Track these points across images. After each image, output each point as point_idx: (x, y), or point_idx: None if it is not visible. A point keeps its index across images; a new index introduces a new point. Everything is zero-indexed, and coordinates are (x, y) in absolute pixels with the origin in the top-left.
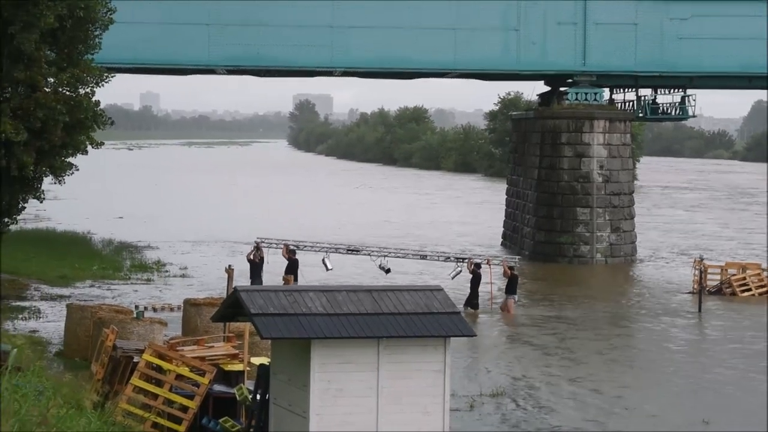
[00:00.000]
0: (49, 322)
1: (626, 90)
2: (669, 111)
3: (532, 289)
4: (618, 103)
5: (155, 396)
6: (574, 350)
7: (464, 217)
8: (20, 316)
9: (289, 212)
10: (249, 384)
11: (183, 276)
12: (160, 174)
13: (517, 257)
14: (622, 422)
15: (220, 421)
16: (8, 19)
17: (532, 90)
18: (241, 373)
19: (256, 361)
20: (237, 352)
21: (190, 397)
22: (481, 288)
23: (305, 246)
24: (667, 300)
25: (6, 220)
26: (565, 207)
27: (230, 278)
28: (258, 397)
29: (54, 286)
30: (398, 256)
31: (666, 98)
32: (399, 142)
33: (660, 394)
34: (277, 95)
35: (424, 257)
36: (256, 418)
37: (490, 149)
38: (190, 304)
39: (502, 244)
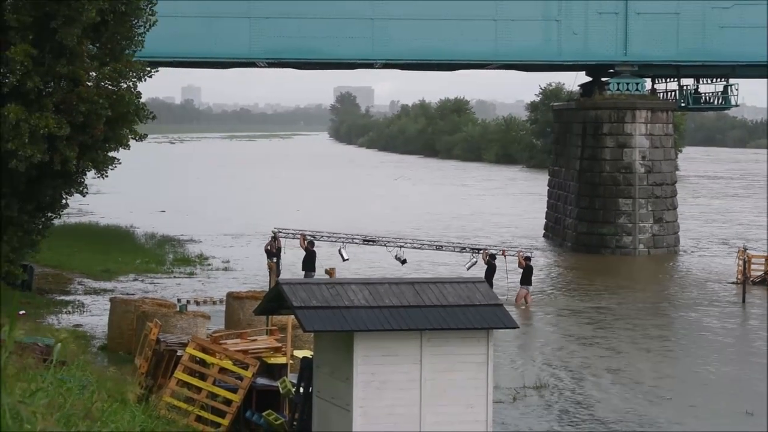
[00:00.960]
0: (93, 316)
1: (668, 80)
2: (711, 100)
3: (573, 280)
4: (660, 92)
5: (199, 389)
6: (614, 341)
7: (506, 208)
8: (64, 310)
9: (329, 204)
10: (292, 377)
11: (225, 269)
12: (202, 167)
13: (533, 249)
14: (662, 412)
15: (264, 414)
16: (51, 14)
17: (574, 80)
18: (284, 366)
19: (299, 354)
20: (280, 345)
21: (234, 391)
22: (497, 278)
23: (322, 236)
24: (710, 290)
25: (50, 214)
26: (607, 198)
27: (272, 271)
28: (301, 390)
29: (98, 280)
30: (414, 247)
31: (708, 88)
32: (440, 134)
33: (700, 384)
34: (318, 88)
35: (439, 248)
36: (300, 411)
37: (532, 140)
38: (233, 298)
39: (544, 235)
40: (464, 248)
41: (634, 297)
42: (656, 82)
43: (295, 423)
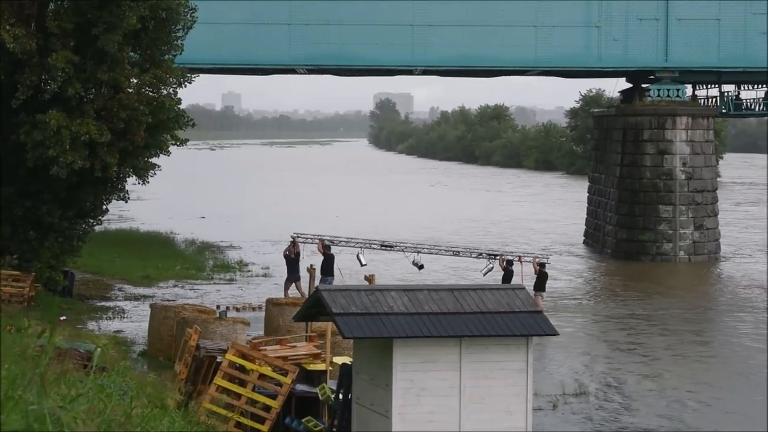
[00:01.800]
0: (133, 322)
1: (709, 86)
2: (753, 107)
3: (612, 287)
4: (701, 99)
5: (238, 396)
6: (652, 347)
7: (545, 215)
8: (105, 316)
9: (366, 210)
10: (331, 383)
11: (265, 276)
12: (241, 174)
13: (549, 255)
14: (701, 419)
15: (303, 420)
16: (92, 21)
17: (614, 87)
18: (323, 372)
19: (339, 360)
20: (319, 351)
21: (273, 397)
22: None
23: (340, 241)
24: (749, 297)
25: (90, 220)
26: (647, 205)
27: (312, 278)
28: (340, 396)
29: (138, 286)
30: (432, 253)
31: (749, 94)
32: (480, 141)
33: (736, 391)
34: (358, 94)
35: (456, 253)
36: (339, 418)
37: (572, 147)
38: (272, 304)
39: (584, 242)
40: (481, 254)
41: (673, 304)
42: (697, 88)
43: (334, 429)
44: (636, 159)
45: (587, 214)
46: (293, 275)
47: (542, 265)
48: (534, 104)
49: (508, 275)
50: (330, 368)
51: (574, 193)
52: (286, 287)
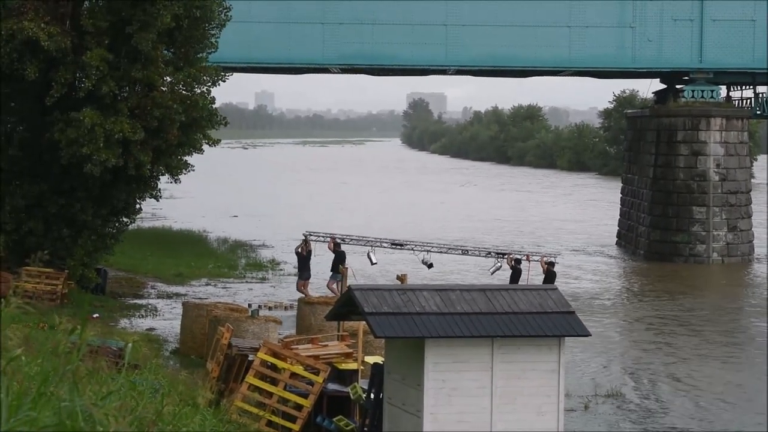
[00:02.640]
0: (166, 320)
1: (743, 87)
2: None
3: (644, 288)
4: (735, 100)
5: (270, 394)
6: (682, 348)
7: (577, 216)
8: (137, 313)
9: (397, 210)
10: (363, 383)
11: (297, 274)
12: (274, 173)
13: (557, 254)
14: (733, 419)
15: (335, 419)
16: (126, 19)
17: (648, 88)
18: (355, 371)
19: (370, 359)
20: (351, 350)
21: (305, 396)
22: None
23: (351, 240)
24: None
25: (123, 218)
26: (680, 206)
27: (344, 277)
28: (372, 396)
29: (170, 284)
30: (440, 252)
31: None
32: (513, 141)
33: (765, 392)
34: (391, 94)
35: (465, 252)
36: (370, 417)
37: (605, 148)
38: (304, 303)
39: (616, 243)
40: (489, 253)
41: (704, 305)
42: (731, 89)
43: (365, 429)
44: (669, 160)
45: (620, 215)
46: (305, 273)
47: (551, 264)
48: (567, 105)
49: (516, 274)
50: (362, 367)
51: (607, 193)
52: (302, 285)
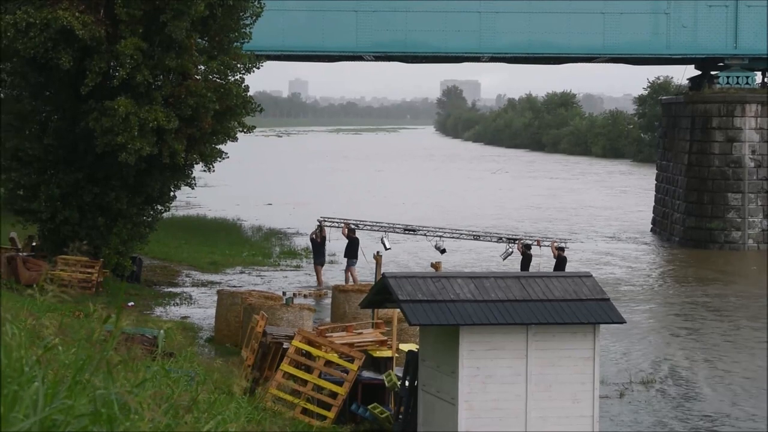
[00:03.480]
0: (200, 308)
1: None
2: None
3: (678, 274)
4: None
5: (305, 382)
6: (716, 335)
7: (612, 202)
8: (172, 302)
9: (431, 198)
10: (398, 370)
11: (331, 262)
12: (308, 161)
13: (567, 239)
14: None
15: (369, 407)
16: (160, 8)
17: (683, 74)
18: (389, 359)
19: (405, 347)
20: (385, 338)
21: (339, 384)
22: (532, 268)
23: (365, 225)
24: None
25: (158, 207)
26: (715, 192)
27: (378, 265)
28: (407, 383)
29: (205, 272)
30: (453, 237)
31: None
32: (547, 128)
33: None
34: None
35: (477, 238)
36: (405, 405)
37: (640, 134)
38: (338, 291)
39: (651, 230)
40: (501, 238)
41: (738, 291)
42: (767, 75)
43: (400, 416)
44: (704, 147)
45: (655, 201)
46: (319, 259)
47: (561, 249)
48: (601, 91)
49: (526, 259)
50: (396, 355)
51: (642, 180)
52: (318, 271)
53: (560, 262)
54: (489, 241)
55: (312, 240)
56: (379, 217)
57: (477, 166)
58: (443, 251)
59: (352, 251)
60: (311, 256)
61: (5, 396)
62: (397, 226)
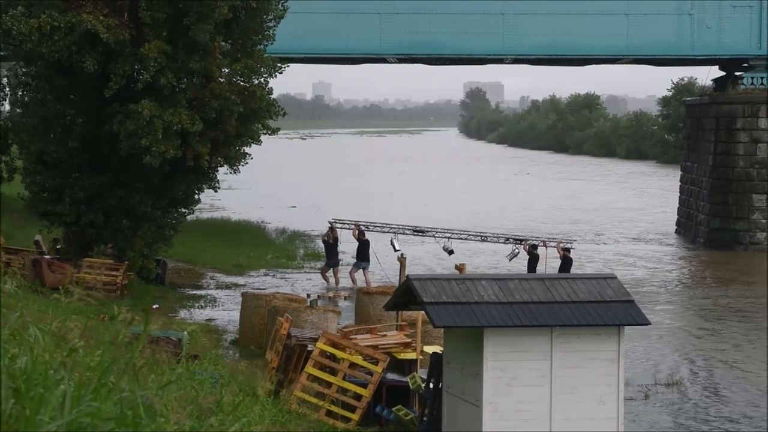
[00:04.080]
0: (225, 310)
1: None
2: None
3: (702, 275)
4: None
5: (329, 384)
6: (740, 336)
7: (636, 204)
8: (197, 304)
9: (455, 200)
10: (422, 372)
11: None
12: (332, 163)
13: (573, 240)
14: None
15: (394, 409)
16: (184, 11)
17: (707, 75)
18: (414, 361)
19: (429, 349)
20: (410, 340)
21: (364, 386)
22: (539, 268)
23: (375, 227)
24: None
25: (182, 209)
26: (740, 194)
27: (403, 267)
28: (431, 385)
29: (229, 274)
30: (461, 238)
31: None
32: (571, 130)
33: None
34: (448, 83)
35: (484, 239)
36: (429, 407)
37: (664, 136)
38: (362, 293)
39: (676, 231)
40: (508, 239)
41: (762, 293)
42: None
43: (425, 418)
44: (729, 148)
45: (679, 203)
46: (332, 260)
47: (567, 250)
48: (625, 93)
49: (533, 259)
50: (420, 357)
51: (666, 182)
52: (324, 272)
53: (566, 262)
54: (496, 242)
55: (324, 242)
56: (401, 220)
57: (501, 167)
58: (451, 252)
59: (363, 253)
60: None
61: (31, 398)
62: (407, 227)
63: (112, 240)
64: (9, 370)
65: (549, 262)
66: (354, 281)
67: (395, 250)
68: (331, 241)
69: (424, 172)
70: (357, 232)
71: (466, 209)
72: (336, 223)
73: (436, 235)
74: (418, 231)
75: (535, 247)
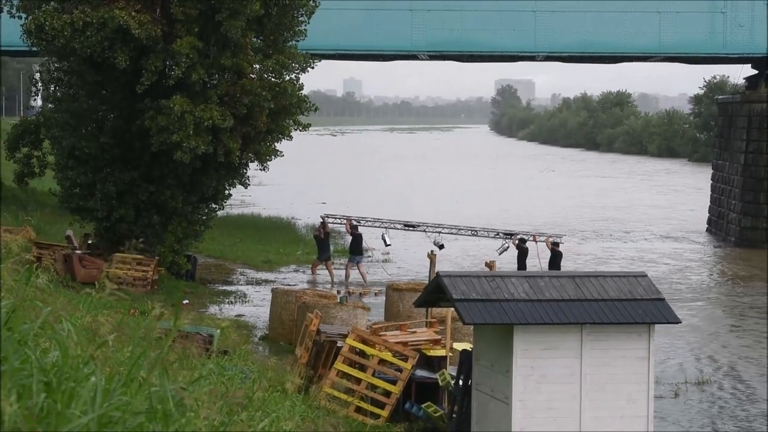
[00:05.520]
0: (255, 306)
1: None
2: None
3: (732, 274)
4: None
5: (358, 380)
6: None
7: (667, 202)
8: (227, 300)
9: (483, 197)
10: (451, 369)
11: (385, 261)
12: (363, 160)
13: (563, 235)
14: None
15: (423, 406)
16: (216, 7)
17: (739, 73)
18: (443, 358)
19: (459, 346)
20: (439, 337)
21: (393, 382)
22: (529, 261)
23: (366, 222)
24: None
25: (213, 205)
26: None
27: (432, 263)
28: (460, 382)
29: (259, 270)
30: (451, 233)
31: None
32: (602, 127)
33: None
34: (479, 80)
35: (475, 233)
36: (459, 404)
37: (695, 134)
38: (392, 289)
39: (707, 230)
40: (498, 234)
41: None
42: None
43: (454, 415)
44: (761, 146)
45: (711, 201)
46: (323, 254)
47: (556, 244)
48: (657, 91)
49: (522, 253)
50: (450, 354)
51: (697, 180)
52: (314, 266)
53: (555, 256)
54: (486, 236)
55: (316, 237)
56: (426, 217)
57: (531, 165)
58: (441, 247)
59: (356, 247)
60: (366, 255)
61: (62, 392)
62: (398, 222)
63: (143, 235)
64: (40, 364)
65: (540, 256)
66: (359, 275)
67: (386, 245)
68: (322, 236)
69: (455, 170)
70: (349, 226)
71: (495, 207)
72: (327, 217)
73: (426, 230)
74: (409, 225)
75: (523, 241)
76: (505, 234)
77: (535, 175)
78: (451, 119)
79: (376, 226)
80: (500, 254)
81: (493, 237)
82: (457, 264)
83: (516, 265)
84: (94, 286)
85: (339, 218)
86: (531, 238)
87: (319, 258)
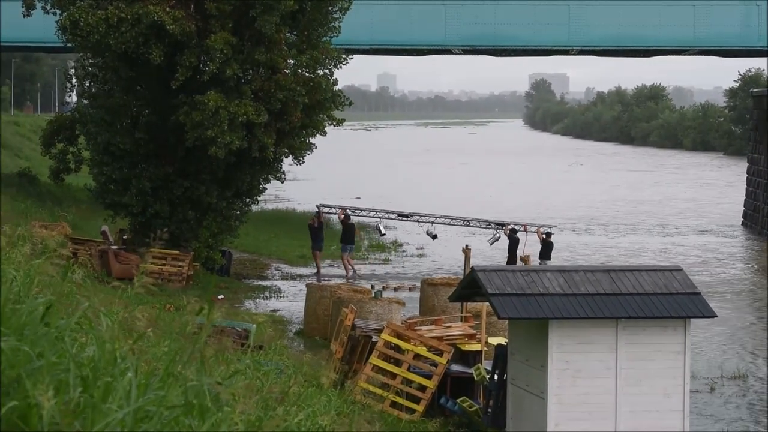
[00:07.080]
0: (290, 301)
1: None
2: None
3: (765, 266)
4: None
5: (394, 375)
6: None
7: (702, 195)
8: (262, 295)
9: (516, 190)
10: (486, 364)
11: (420, 256)
12: (397, 154)
13: (554, 225)
14: None
15: (458, 401)
16: (250, 3)
17: None
18: (478, 353)
19: (494, 341)
20: (474, 332)
21: (428, 377)
22: (519, 251)
23: (361, 212)
24: None
25: (247, 200)
26: None
27: (467, 258)
28: (496, 377)
29: (294, 265)
30: (444, 223)
31: None
32: (636, 121)
33: None
34: (513, 75)
35: (467, 224)
36: (494, 399)
37: (730, 127)
38: (427, 284)
39: (742, 224)
40: (489, 224)
41: None
42: None
43: (489, 410)
44: None
45: (746, 195)
46: (317, 244)
47: (548, 234)
48: (691, 84)
49: (513, 243)
50: (485, 349)
51: (734, 174)
52: (316, 256)
53: (546, 246)
54: (478, 226)
55: (310, 226)
56: (460, 212)
57: (562, 159)
58: (435, 237)
59: (348, 237)
60: (401, 250)
61: (99, 387)
62: (391, 212)
63: (178, 230)
64: (77, 358)
65: (531, 246)
66: (346, 267)
67: (381, 235)
68: (316, 225)
69: (489, 164)
70: (342, 216)
71: (526, 200)
72: (323, 207)
73: (419, 220)
74: (403, 216)
75: (515, 231)
76: (496, 224)
77: (569, 168)
78: (485, 113)
79: (370, 216)
80: (491, 244)
81: (485, 227)
82: (492, 258)
83: (507, 255)
84: (129, 281)
85: (334, 208)
86: (522, 228)
87: (312, 248)
